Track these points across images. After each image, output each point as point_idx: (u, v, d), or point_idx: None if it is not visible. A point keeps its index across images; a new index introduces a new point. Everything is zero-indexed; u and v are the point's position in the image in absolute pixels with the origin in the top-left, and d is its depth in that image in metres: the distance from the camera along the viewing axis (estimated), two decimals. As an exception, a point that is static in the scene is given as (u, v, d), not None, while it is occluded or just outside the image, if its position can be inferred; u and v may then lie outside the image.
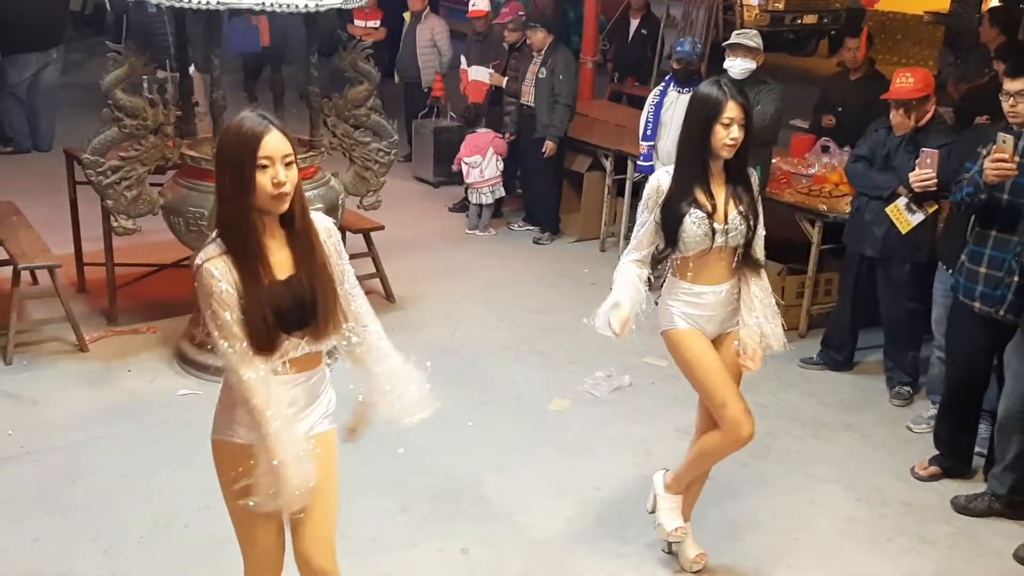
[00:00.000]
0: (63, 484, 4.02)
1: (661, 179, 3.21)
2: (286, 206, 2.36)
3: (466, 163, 7.54)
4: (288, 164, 2.33)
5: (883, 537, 3.88)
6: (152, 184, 5.06)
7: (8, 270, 5.34)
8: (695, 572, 3.60)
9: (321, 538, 2.57)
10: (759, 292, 3.27)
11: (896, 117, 4.76)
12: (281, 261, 2.41)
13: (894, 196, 4.81)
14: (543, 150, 7.13)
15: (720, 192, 3.21)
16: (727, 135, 3.10)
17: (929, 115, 4.73)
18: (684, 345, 3.32)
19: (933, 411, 4.64)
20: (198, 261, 2.35)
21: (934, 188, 4.47)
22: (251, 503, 2.33)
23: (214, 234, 2.39)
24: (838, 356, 5.35)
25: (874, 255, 4.97)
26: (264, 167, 2.30)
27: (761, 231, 3.31)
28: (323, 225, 2.51)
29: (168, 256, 6.01)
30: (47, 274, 5.23)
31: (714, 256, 3.23)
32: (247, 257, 2.33)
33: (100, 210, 5.33)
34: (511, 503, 4.00)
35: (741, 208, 3.21)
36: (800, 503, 4.09)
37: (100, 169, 4.79)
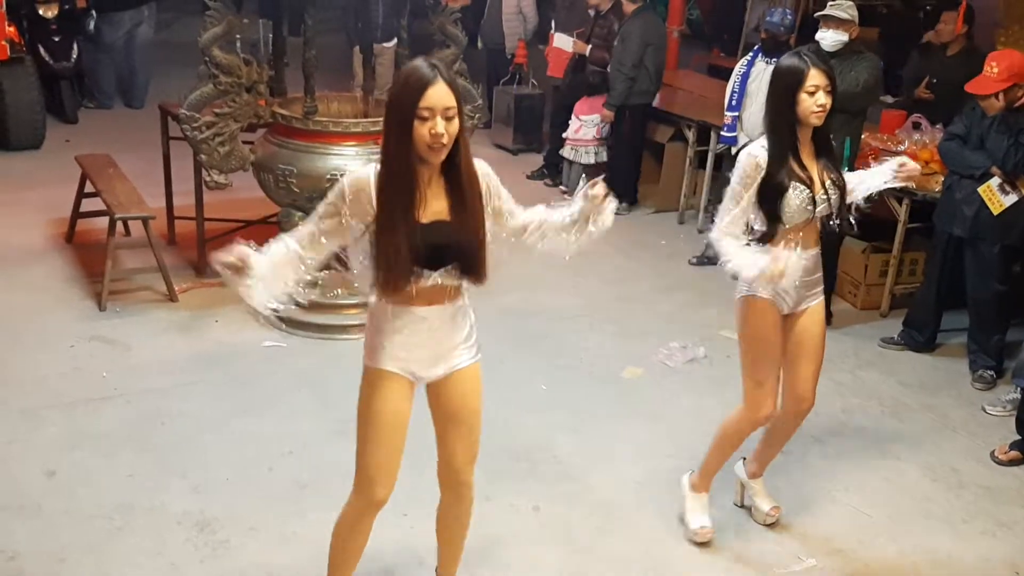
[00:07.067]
0: (154, 425, 4.19)
1: (758, 154, 3.17)
2: (442, 157, 2.44)
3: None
4: (450, 117, 2.40)
5: (958, 519, 3.83)
6: (243, 141, 5.20)
7: (103, 220, 5.56)
8: (768, 525, 3.68)
9: (470, 458, 2.82)
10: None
11: (984, 101, 4.65)
12: (437, 209, 2.51)
13: (987, 176, 4.70)
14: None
15: (812, 163, 3.22)
16: (813, 102, 3.09)
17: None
18: (755, 315, 3.31)
19: (1013, 395, 4.54)
20: (347, 175, 2.54)
21: None
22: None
23: (375, 165, 2.50)
24: (920, 337, 5.25)
25: (963, 235, 4.86)
26: (424, 118, 2.38)
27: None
28: (483, 171, 2.61)
29: (256, 212, 6.17)
30: (140, 225, 5.43)
31: (804, 226, 3.24)
32: (397, 198, 2.44)
33: (192, 165, 5.49)
34: (583, 465, 4.05)
35: (833, 177, 3.24)
36: (875, 480, 4.06)
37: (195, 125, 4.94)
